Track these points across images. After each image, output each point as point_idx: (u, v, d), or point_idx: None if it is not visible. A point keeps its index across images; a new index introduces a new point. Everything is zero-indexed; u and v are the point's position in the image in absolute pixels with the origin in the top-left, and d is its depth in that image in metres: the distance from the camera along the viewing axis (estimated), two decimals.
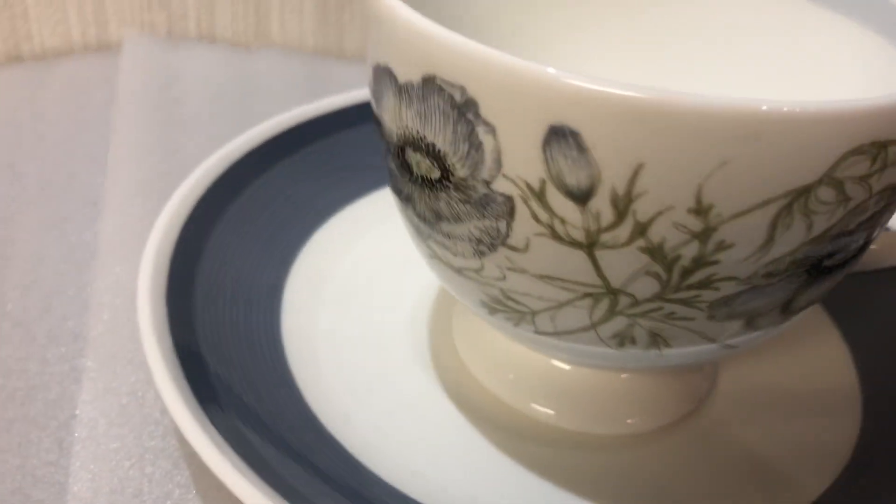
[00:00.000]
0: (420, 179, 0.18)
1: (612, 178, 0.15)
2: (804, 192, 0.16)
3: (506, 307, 0.19)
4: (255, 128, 0.28)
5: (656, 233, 0.16)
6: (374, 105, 0.20)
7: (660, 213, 0.16)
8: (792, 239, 0.16)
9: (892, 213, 0.18)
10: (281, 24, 0.40)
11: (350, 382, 0.24)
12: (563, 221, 0.16)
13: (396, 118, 0.18)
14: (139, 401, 0.23)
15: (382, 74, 0.18)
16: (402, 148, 0.18)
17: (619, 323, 0.18)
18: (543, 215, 0.17)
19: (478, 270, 0.19)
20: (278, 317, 0.25)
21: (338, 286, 0.27)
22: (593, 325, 0.19)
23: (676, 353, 0.19)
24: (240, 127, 0.30)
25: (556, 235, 0.17)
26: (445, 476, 0.22)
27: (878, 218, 0.17)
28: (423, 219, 0.19)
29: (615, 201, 0.16)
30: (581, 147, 0.15)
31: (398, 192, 0.20)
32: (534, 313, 0.19)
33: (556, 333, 0.19)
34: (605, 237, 0.16)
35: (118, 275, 0.26)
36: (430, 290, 0.27)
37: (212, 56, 0.39)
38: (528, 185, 0.16)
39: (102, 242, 0.28)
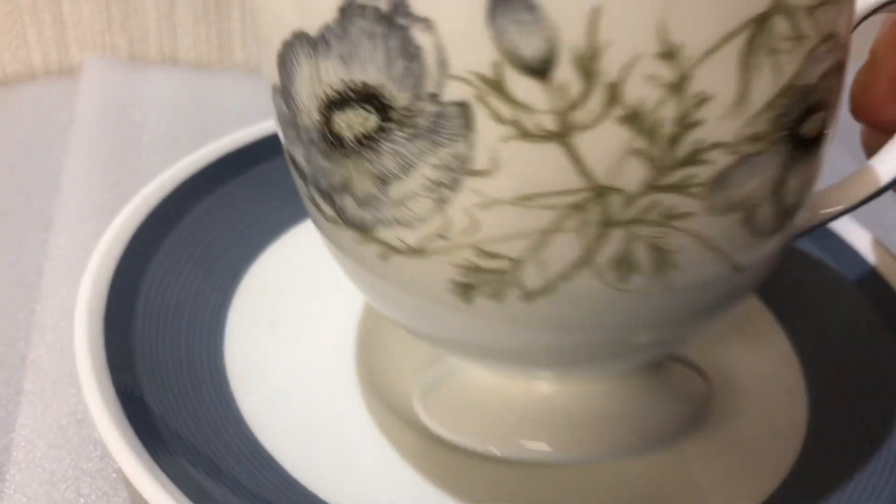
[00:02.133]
0: (356, 144, 0.17)
1: (571, 35, 0.15)
2: (762, 20, 0.15)
3: (484, 274, 0.17)
4: (200, 150, 0.29)
5: (631, 93, 0.15)
6: (285, 112, 0.18)
7: (629, 67, 0.15)
8: (765, 88, 0.16)
9: (842, 85, 0.18)
10: (244, 45, 0.41)
11: (297, 410, 0.24)
12: (528, 110, 0.15)
13: (315, 85, 0.17)
14: (78, 422, 0.23)
15: (292, 48, 0.17)
16: (328, 119, 0.17)
17: (615, 241, 0.17)
18: (505, 111, 0.15)
19: (443, 232, 0.17)
20: (221, 340, 0.25)
21: (284, 307, 0.27)
22: (588, 254, 0.17)
23: (687, 281, 0.18)
24: (198, 148, 0.30)
25: (524, 133, 0.16)
26: None
27: (833, 79, 0.17)
28: (367, 202, 0.18)
29: (579, 63, 0.15)
30: (530, 5, 0.15)
31: (328, 194, 0.18)
32: (518, 265, 0.17)
33: (549, 287, 0.17)
34: (579, 115, 0.15)
35: (63, 297, 0.26)
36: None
37: (173, 78, 0.39)
38: (482, 77, 0.15)
39: (50, 264, 0.28)
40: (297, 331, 0.26)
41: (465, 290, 0.18)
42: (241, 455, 0.22)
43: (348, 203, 0.18)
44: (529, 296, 0.17)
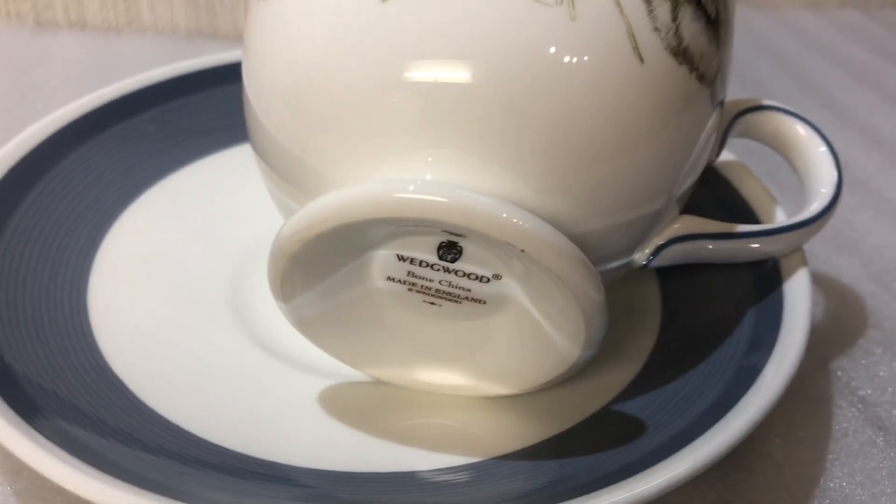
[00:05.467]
0: None
1: None
2: None
3: None
4: (78, 100, 0.29)
5: None
6: None
7: None
8: None
9: None
10: (151, 8, 0.41)
11: (160, 341, 0.25)
12: None
13: None
14: None
15: None
16: None
17: None
18: None
19: None
20: (87, 279, 0.26)
21: (158, 248, 0.27)
22: None
23: None
24: None
25: None
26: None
27: None
28: None
29: None
30: None
31: None
32: None
33: None
34: None
35: None
36: (251, 250, 0.28)
37: (78, 41, 0.39)
38: None
39: None
40: (170, 269, 0.27)
41: None
42: (100, 392, 0.23)
43: None
44: None
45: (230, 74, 0.31)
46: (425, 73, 0.19)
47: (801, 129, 0.26)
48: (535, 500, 0.20)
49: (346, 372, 0.24)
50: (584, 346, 0.20)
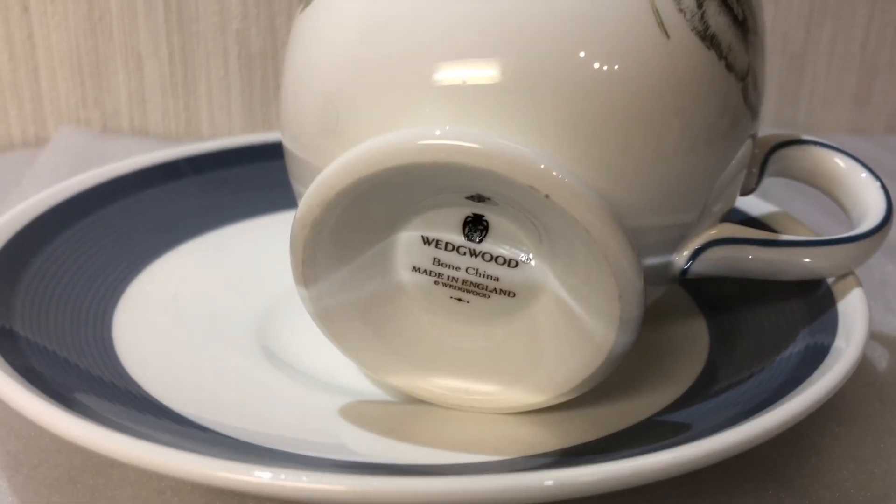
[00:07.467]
0: None
1: None
2: None
3: None
4: (125, 161, 0.30)
5: None
6: None
7: None
8: None
9: None
10: (210, 120, 0.44)
11: (181, 358, 0.24)
12: None
13: None
14: None
15: None
16: None
17: None
18: None
19: None
20: (114, 305, 0.25)
21: (190, 287, 0.27)
22: None
23: None
24: None
25: None
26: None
27: None
28: None
29: None
30: None
31: None
32: None
33: None
34: None
35: None
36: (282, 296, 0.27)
37: (140, 146, 0.41)
38: None
39: None
40: (199, 303, 0.26)
41: None
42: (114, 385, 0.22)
43: None
44: None
45: (271, 151, 0.33)
46: (458, 63, 0.19)
47: (840, 161, 0.25)
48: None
49: (368, 390, 0.23)
50: (619, 328, 0.19)
